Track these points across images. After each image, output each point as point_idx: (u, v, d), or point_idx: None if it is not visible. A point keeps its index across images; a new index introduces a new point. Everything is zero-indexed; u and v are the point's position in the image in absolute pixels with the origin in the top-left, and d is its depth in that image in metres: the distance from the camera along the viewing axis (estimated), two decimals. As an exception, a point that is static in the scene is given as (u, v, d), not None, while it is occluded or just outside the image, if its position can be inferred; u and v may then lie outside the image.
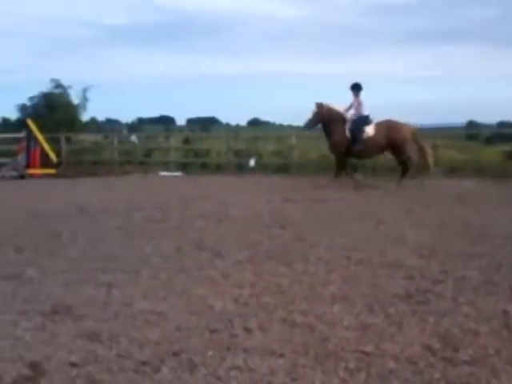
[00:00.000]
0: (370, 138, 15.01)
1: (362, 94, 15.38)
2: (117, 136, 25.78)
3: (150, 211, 11.00)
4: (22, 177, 19.36)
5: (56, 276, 6.25)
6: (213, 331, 4.54)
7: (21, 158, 20.12)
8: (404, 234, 8.48)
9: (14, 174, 19.65)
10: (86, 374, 3.80)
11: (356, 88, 15.40)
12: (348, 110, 15.40)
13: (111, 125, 44.56)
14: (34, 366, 3.91)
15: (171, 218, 10.08)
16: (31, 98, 25.71)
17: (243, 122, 49.06)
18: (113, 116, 52.12)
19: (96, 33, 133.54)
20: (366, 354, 4.08)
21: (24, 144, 20.26)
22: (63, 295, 5.53)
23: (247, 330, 4.57)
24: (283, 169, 20.11)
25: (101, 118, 41.72)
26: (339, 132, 15.18)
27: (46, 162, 20.23)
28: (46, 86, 25.70)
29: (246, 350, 4.16)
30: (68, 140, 23.33)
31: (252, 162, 20.34)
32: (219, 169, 21.17)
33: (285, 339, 4.36)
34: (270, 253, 7.25)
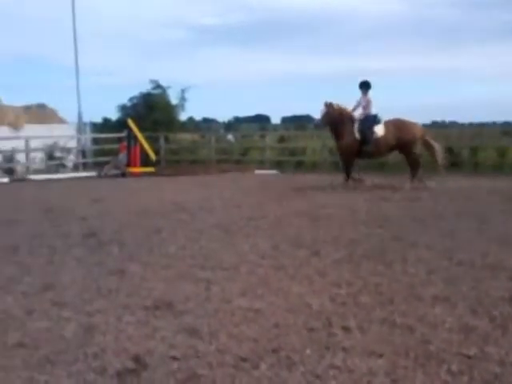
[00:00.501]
0: (380, 138, 14.44)
1: (370, 92, 14.70)
2: (214, 135, 26.20)
3: (247, 209, 11.10)
4: (123, 175, 20.02)
5: (157, 272, 6.42)
6: (311, 330, 4.53)
7: (122, 157, 20.81)
8: (508, 233, 8.16)
9: (116, 172, 20.37)
10: (186, 368, 3.88)
11: (365, 86, 14.74)
12: (356, 109, 14.79)
13: (208, 124, 45.29)
14: (136, 359, 4.03)
15: (267, 216, 10.13)
16: (131, 99, 26.50)
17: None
18: (210, 115, 52.98)
19: (192, 34, 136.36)
20: (469, 357, 3.96)
21: (125, 143, 20.94)
22: (164, 291, 5.67)
23: (346, 329, 4.53)
24: (378, 167, 19.75)
25: (198, 117, 42.47)
26: (349, 133, 14.54)
27: (145, 160, 20.84)
28: (145, 87, 26.46)
29: (344, 350, 4.12)
30: (166, 139, 23.91)
31: None
32: (314, 167, 21.10)
33: (384, 340, 4.29)
34: (368, 252, 7.15)
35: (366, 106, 14.61)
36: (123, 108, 26.38)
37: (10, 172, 20.85)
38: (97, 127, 26.20)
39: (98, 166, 21.73)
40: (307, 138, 25.03)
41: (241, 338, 4.36)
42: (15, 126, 23.22)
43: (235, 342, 4.31)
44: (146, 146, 21.04)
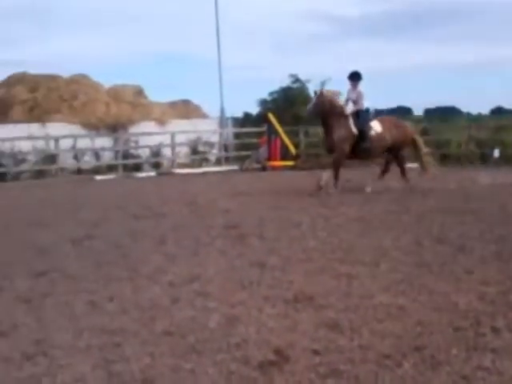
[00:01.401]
0: (378, 135, 12.83)
1: (361, 84, 13.15)
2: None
3: (388, 202, 10.89)
4: (263, 168, 20.34)
5: (297, 265, 6.45)
6: (457, 329, 4.35)
7: (262, 151, 21.13)
8: None
9: (257, 165, 20.71)
10: (328, 362, 3.85)
11: (355, 77, 13.11)
12: (346, 102, 13.07)
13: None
14: (278, 351, 4.05)
15: (409, 211, 9.88)
16: (271, 93, 26.79)
17: (485, 111, 46.11)
18: (349, 108, 52.40)
19: (332, 26, 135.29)
20: None
21: (265, 137, 21.23)
22: (304, 284, 5.68)
23: (495, 329, 4.31)
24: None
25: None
26: (343, 127, 12.68)
27: (285, 154, 21.02)
28: (284, 81, 26.65)
29: (493, 351, 3.92)
30: (306, 133, 23.97)
31: (496, 153, 19.12)
32: (460, 160, 20.28)
33: (538, 343, 4.02)
34: (519, 249, 6.76)
35: (357, 99, 12.89)
36: (263, 102, 26.72)
37: (156, 166, 21.86)
38: (238, 121, 26.75)
39: (239, 159, 22.22)
40: (452, 130, 24.06)
41: (383, 335, 4.27)
42: (161, 122, 24.28)
43: (377, 338, 4.22)
44: (286, 139, 21.20)
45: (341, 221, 9.13)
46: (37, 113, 23.04)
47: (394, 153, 13.22)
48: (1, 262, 7.08)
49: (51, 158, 19.64)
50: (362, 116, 12.76)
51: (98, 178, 18.83)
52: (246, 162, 21.28)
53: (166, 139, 21.69)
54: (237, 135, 25.00)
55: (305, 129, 23.34)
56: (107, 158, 21.46)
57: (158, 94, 66.96)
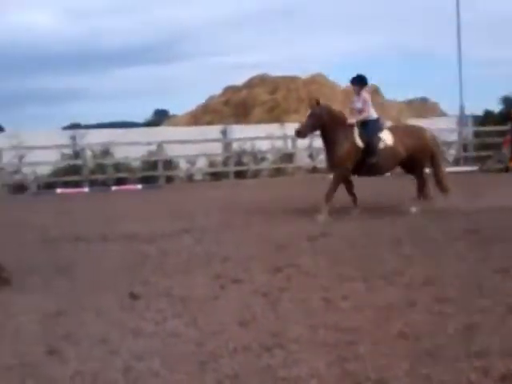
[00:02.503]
0: (388, 149, 10.74)
1: (367, 89, 11.28)
2: None
3: None
4: (506, 170, 19.11)
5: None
6: None
7: (506, 151, 19.88)
8: None
9: (499, 166, 19.53)
10: None
11: (359, 81, 11.04)
12: (354, 111, 11.04)
13: None
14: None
15: None
16: (514, 90, 25.17)
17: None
18: None
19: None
20: None
21: (508, 137, 19.94)
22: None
23: None
24: None
25: None
26: (346, 140, 10.62)
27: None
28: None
29: None
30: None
31: None
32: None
33: None
34: None
35: (363, 107, 10.91)
36: (506, 100, 25.16)
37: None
38: (478, 120, 25.48)
39: (479, 160, 21.12)
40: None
41: None
42: (397, 121, 23.98)
43: None
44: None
45: None
46: (276, 113, 24.13)
47: (412, 168, 11.21)
48: (241, 256, 7.48)
49: (288, 157, 20.40)
50: (369, 126, 10.78)
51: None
52: (487, 162, 20.16)
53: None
54: (477, 134, 23.79)
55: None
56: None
57: (394, 93, 66.26)
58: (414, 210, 10.54)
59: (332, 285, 5.92)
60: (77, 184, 17.77)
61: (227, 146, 19.92)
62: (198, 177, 19.93)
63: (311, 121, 10.60)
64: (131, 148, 18.60)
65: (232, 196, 14.35)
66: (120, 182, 18.29)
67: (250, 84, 26.23)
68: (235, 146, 19.92)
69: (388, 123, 11.28)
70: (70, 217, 11.65)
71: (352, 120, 10.70)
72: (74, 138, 19.16)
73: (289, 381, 3.69)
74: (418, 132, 11.27)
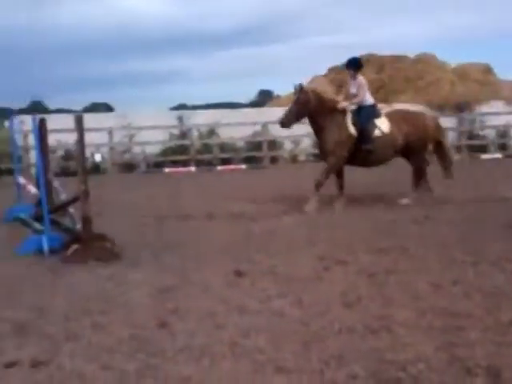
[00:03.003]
0: (385, 136, 10.02)
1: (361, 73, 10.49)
2: None
3: None
4: None
5: None
6: None
7: None
8: None
9: None
10: None
11: (353, 65, 10.32)
12: (350, 95, 10.34)
13: None
14: None
15: None
16: None
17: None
18: None
19: None
20: None
21: None
22: None
23: None
24: None
25: None
26: (337, 127, 9.91)
27: None
28: None
29: None
30: None
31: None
32: None
33: None
34: None
35: (358, 92, 10.15)
36: None
37: (503, 148, 20.70)
38: None
39: None
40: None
41: None
42: (510, 101, 22.88)
43: None
44: None
45: None
46: (382, 93, 23.62)
47: (412, 155, 10.45)
48: (345, 237, 7.43)
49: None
50: (363, 112, 10.11)
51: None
52: None
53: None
54: None
55: None
56: (450, 138, 20.97)
57: (508, 72, 63.35)
58: (404, 201, 10.00)
59: (440, 269, 5.78)
60: (184, 163, 18.23)
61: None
62: (302, 157, 19.91)
63: (296, 108, 9.92)
64: (236, 128, 18.81)
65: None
66: (225, 161, 18.59)
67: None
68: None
69: (386, 108, 10.59)
70: (178, 195, 11.97)
71: (343, 104, 10.09)
72: (181, 118, 19.66)
73: (395, 364, 3.63)
74: (418, 118, 10.48)
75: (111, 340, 4.21)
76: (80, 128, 6.87)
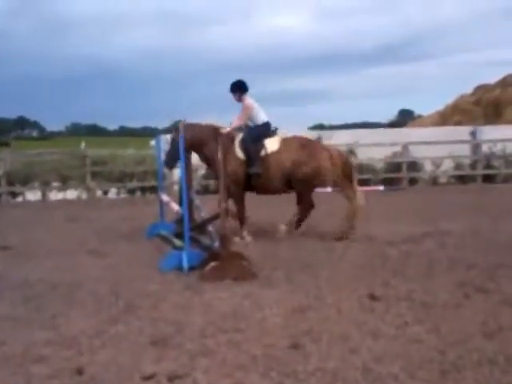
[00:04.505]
0: (271, 156, 9.44)
1: (247, 96, 9.68)
2: None
3: None
4: None
5: None
6: None
7: None
8: None
9: None
10: None
11: (236, 89, 9.69)
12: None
13: None
14: None
15: None
16: None
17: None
18: None
19: None
20: None
21: None
22: None
23: None
24: None
25: None
26: (226, 154, 8.89)
27: None
28: None
29: None
30: None
31: None
32: None
33: None
34: None
35: (243, 114, 9.58)
36: None
37: None
38: None
39: None
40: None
41: None
42: None
43: None
44: None
45: None
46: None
47: (298, 188, 9.56)
48: (488, 263, 7.09)
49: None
50: (250, 132, 9.52)
51: None
52: None
53: None
54: None
55: None
56: None
57: None
58: (282, 228, 9.46)
59: None
60: (320, 184, 18.20)
61: (476, 147, 19.00)
62: (443, 180, 19.27)
63: (173, 148, 9.42)
64: (375, 149, 18.58)
65: (479, 201, 13.69)
66: (362, 182, 18.39)
67: (504, 82, 24.52)
68: (485, 147, 18.89)
69: (284, 133, 9.91)
70: (314, 214, 11.99)
71: (225, 130, 9.57)
72: (319, 138, 19.74)
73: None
74: (313, 144, 9.79)
75: (245, 358, 4.28)
76: (222, 147, 7.11)
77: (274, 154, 9.42)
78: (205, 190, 17.49)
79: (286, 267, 7.15)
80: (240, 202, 9.61)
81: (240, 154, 9.50)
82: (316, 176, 9.52)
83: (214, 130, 9.61)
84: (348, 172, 9.67)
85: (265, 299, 5.79)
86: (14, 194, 18.04)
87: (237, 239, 9.07)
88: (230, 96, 9.68)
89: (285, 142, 9.59)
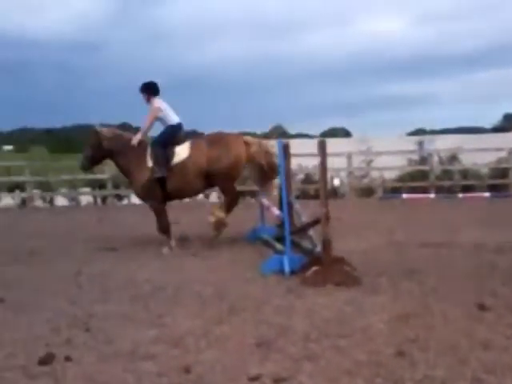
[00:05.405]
0: (183, 163, 9.27)
1: (158, 99, 9.54)
2: None
3: None
4: None
5: None
6: None
7: None
8: None
9: None
10: None
11: (145, 89, 9.54)
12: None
13: None
14: None
15: None
16: None
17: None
18: None
19: None
20: None
21: None
22: None
23: None
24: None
25: None
26: (139, 164, 9.34)
27: None
28: None
29: None
30: None
31: None
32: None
33: None
34: None
35: (147, 116, 9.55)
36: None
37: None
38: None
39: None
40: None
41: None
42: None
43: None
44: None
45: None
46: None
47: (221, 184, 9.65)
48: None
49: None
50: (156, 138, 9.62)
51: None
52: None
53: None
54: None
55: None
56: None
57: None
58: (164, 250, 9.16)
59: None
60: (423, 190, 17.81)
61: None
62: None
63: (89, 152, 9.60)
64: (479, 154, 17.97)
65: None
66: (467, 189, 17.80)
67: None
68: None
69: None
70: (416, 222, 11.74)
71: (136, 138, 9.49)
72: (420, 143, 19.30)
73: None
74: (228, 139, 9.62)
75: (350, 363, 4.25)
76: (323, 153, 7.07)
77: (186, 159, 9.38)
78: (303, 195, 17.51)
79: (390, 273, 7.03)
80: (160, 214, 9.54)
81: (150, 163, 9.43)
82: (233, 167, 9.52)
83: (129, 140, 9.61)
84: (272, 165, 9.61)
85: (368, 305, 5.72)
86: (119, 197, 18.77)
87: (165, 251, 9.13)
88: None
89: (194, 143, 9.56)
